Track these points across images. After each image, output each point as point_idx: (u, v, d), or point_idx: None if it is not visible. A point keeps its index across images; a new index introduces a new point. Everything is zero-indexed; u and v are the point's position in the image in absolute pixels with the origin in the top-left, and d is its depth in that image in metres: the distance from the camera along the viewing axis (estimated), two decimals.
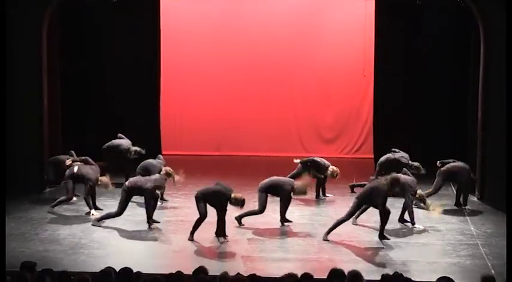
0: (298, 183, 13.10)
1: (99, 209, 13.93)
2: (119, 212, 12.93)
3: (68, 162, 14.07)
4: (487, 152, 14.95)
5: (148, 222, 12.95)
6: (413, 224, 13.05)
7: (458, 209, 14.37)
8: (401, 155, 15.11)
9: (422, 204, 13.49)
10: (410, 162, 14.79)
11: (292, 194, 13.03)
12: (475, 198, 15.11)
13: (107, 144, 15.89)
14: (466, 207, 14.39)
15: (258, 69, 19.02)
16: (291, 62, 18.96)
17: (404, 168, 14.03)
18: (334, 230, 12.39)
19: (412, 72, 17.82)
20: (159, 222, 13.12)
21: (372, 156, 18.15)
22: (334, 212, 13.29)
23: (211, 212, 12.43)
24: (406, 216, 13.21)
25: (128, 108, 18.01)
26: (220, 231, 12.37)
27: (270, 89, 19.03)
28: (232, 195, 12.28)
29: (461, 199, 14.50)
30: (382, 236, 12.33)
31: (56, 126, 16.47)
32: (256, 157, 18.90)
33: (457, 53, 17.28)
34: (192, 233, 12.31)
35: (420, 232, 12.85)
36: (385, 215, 12.23)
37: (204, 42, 18.95)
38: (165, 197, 14.69)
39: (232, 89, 19.12)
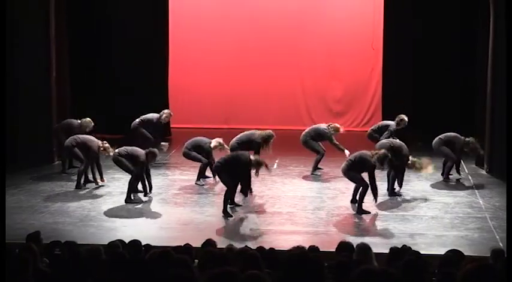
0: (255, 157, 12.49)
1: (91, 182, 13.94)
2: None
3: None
4: (495, 124, 14.86)
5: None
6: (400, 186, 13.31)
7: (466, 182, 14.36)
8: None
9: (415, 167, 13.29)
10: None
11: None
12: (484, 172, 15.08)
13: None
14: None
15: (266, 43, 18.94)
16: (299, 35, 18.88)
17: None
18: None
19: (421, 45, 17.70)
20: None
21: None
22: (344, 186, 13.30)
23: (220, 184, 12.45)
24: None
25: (136, 81, 17.94)
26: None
27: (278, 62, 18.96)
28: (252, 157, 12.25)
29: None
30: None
31: (64, 102, 16.46)
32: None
33: (466, 24, 17.15)
34: (225, 207, 12.21)
35: (428, 205, 12.87)
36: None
37: (212, 15, 18.86)
38: (171, 170, 14.70)
39: (240, 63, 19.06)
